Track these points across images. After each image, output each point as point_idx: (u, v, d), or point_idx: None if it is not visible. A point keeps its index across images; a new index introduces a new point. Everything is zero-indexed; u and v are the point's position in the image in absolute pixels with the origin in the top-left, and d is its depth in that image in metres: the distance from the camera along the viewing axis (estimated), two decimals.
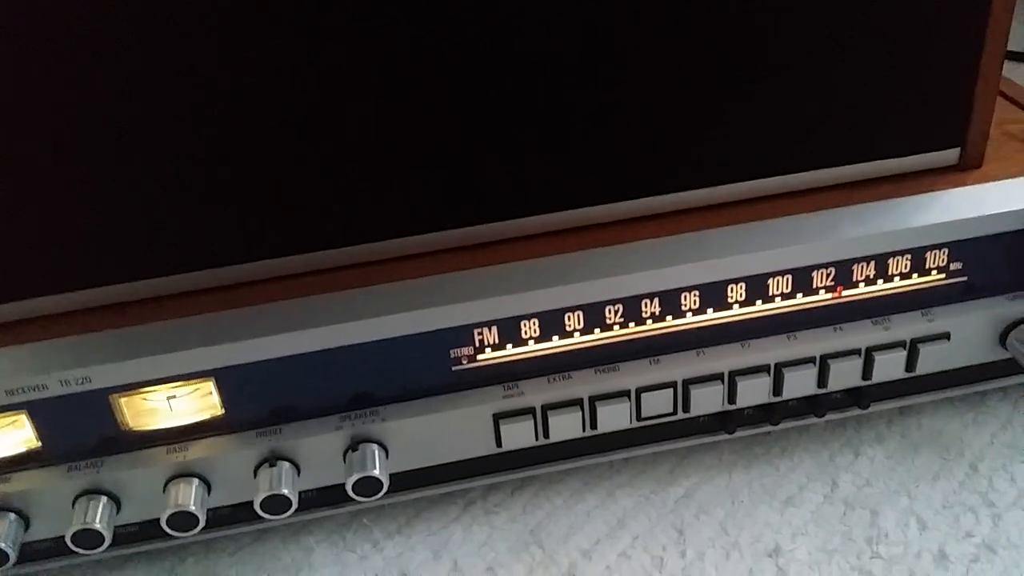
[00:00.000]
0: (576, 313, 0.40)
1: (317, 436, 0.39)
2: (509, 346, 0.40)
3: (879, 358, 0.42)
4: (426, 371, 0.40)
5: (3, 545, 0.36)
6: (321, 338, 0.37)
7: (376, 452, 0.40)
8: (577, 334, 0.40)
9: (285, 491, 0.38)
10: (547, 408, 0.41)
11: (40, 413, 0.37)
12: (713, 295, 0.41)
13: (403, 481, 0.42)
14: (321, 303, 0.38)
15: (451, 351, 0.40)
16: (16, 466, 0.38)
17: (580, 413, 0.41)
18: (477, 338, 0.40)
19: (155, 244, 0.38)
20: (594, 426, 0.42)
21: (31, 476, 0.38)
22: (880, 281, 0.42)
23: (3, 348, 0.36)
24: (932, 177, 0.43)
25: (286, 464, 0.39)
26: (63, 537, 0.38)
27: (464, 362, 0.40)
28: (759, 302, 0.41)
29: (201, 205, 0.37)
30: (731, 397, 0.43)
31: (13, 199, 0.36)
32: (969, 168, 0.44)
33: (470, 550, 0.41)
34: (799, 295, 0.41)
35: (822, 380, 0.43)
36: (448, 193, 0.39)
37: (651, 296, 0.40)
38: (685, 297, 0.40)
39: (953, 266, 0.42)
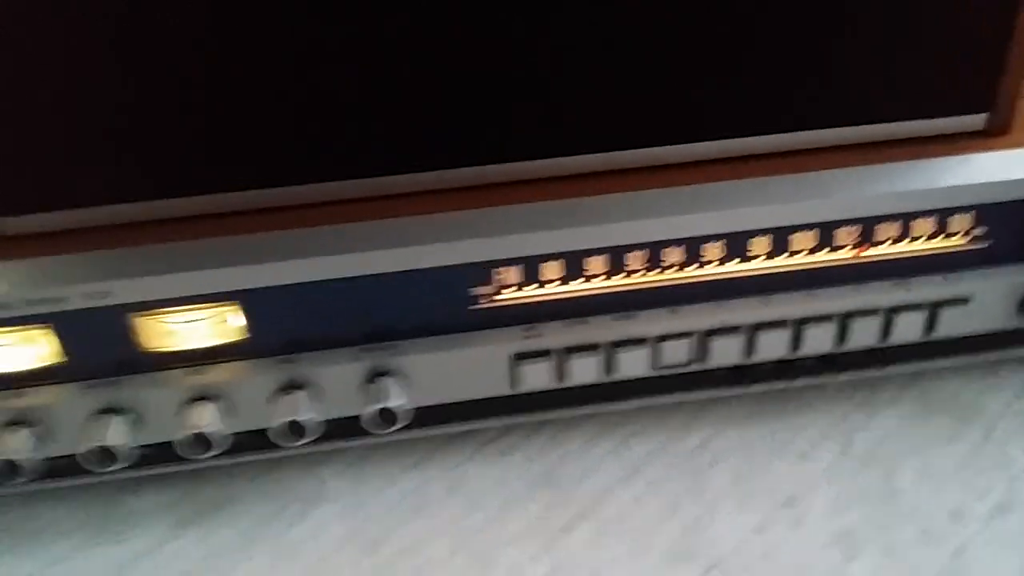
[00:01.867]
0: (597, 257, 0.40)
1: (336, 366, 0.39)
2: (529, 288, 0.40)
3: (898, 319, 0.42)
4: (445, 308, 0.40)
5: (20, 459, 0.37)
6: (345, 265, 0.37)
7: (395, 385, 0.40)
8: (598, 279, 0.41)
9: (303, 417, 0.38)
10: (566, 351, 0.41)
11: (61, 327, 0.37)
12: (737, 246, 0.40)
13: (419, 418, 0.41)
14: (347, 231, 0.38)
15: (470, 289, 0.40)
16: (34, 381, 0.38)
17: (598, 358, 0.41)
18: (496, 277, 0.40)
19: (188, 162, 0.38)
20: (611, 372, 0.42)
21: (48, 392, 0.38)
22: (904, 242, 0.42)
23: (28, 258, 0.37)
24: (961, 140, 0.43)
25: (304, 392, 0.39)
26: (78, 455, 0.38)
27: (483, 301, 0.40)
28: (783, 256, 0.41)
29: (234, 126, 0.37)
30: (749, 350, 0.43)
31: (43, 108, 0.36)
32: (997, 134, 0.44)
33: (485, 487, 0.41)
34: (823, 251, 0.42)
35: (841, 338, 0.43)
36: (479, 129, 0.39)
37: (674, 243, 0.40)
38: (708, 247, 0.41)
39: (977, 231, 0.42)
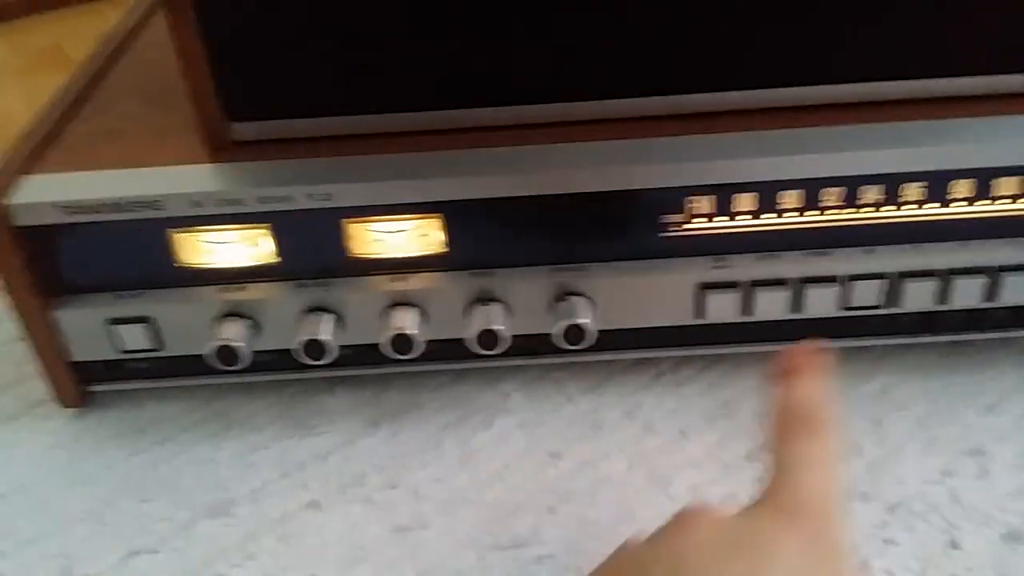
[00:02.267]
0: (792, 192, 0.40)
1: (529, 282, 0.41)
2: (720, 218, 0.40)
3: None
4: (636, 233, 0.40)
5: (239, 345, 0.39)
6: (540, 183, 0.38)
7: (584, 303, 0.41)
8: (791, 214, 0.40)
9: (498, 327, 0.40)
10: (754, 284, 0.41)
11: (283, 227, 0.39)
12: (936, 188, 0.39)
13: (601, 341, 0.42)
14: (544, 151, 0.39)
15: (661, 216, 0.40)
16: (254, 277, 0.41)
17: (787, 293, 0.41)
18: (688, 205, 0.40)
19: (404, 80, 0.39)
20: (799, 308, 0.42)
21: (266, 288, 0.41)
22: None
23: (259, 162, 0.39)
24: None
25: (499, 305, 0.41)
26: (288, 349, 0.41)
27: (673, 229, 0.41)
28: (982, 201, 0.40)
29: (450, 48, 0.39)
30: (943, 297, 0.42)
31: (273, 22, 0.38)
32: None
33: (662, 414, 0.42)
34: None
35: None
36: (676, 58, 0.40)
37: (871, 180, 0.39)
38: (907, 187, 0.40)
39: None
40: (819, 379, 0.34)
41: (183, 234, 0.40)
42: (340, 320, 0.41)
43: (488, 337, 0.39)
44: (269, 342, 0.41)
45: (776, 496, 0.30)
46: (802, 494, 0.29)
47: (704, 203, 0.40)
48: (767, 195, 0.40)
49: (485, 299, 0.41)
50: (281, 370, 0.42)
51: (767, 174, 0.39)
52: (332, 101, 0.40)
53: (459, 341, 0.41)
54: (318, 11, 0.38)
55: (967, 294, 0.41)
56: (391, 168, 0.39)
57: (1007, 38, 0.39)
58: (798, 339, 0.43)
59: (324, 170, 0.39)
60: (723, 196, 0.40)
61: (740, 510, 0.30)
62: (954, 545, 0.36)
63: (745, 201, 0.40)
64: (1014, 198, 0.40)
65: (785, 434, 0.32)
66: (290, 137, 0.40)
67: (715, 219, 0.40)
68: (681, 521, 0.29)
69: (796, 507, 0.29)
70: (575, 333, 0.40)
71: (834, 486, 0.30)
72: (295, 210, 0.38)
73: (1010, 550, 0.35)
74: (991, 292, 0.41)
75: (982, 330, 0.43)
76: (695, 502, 0.30)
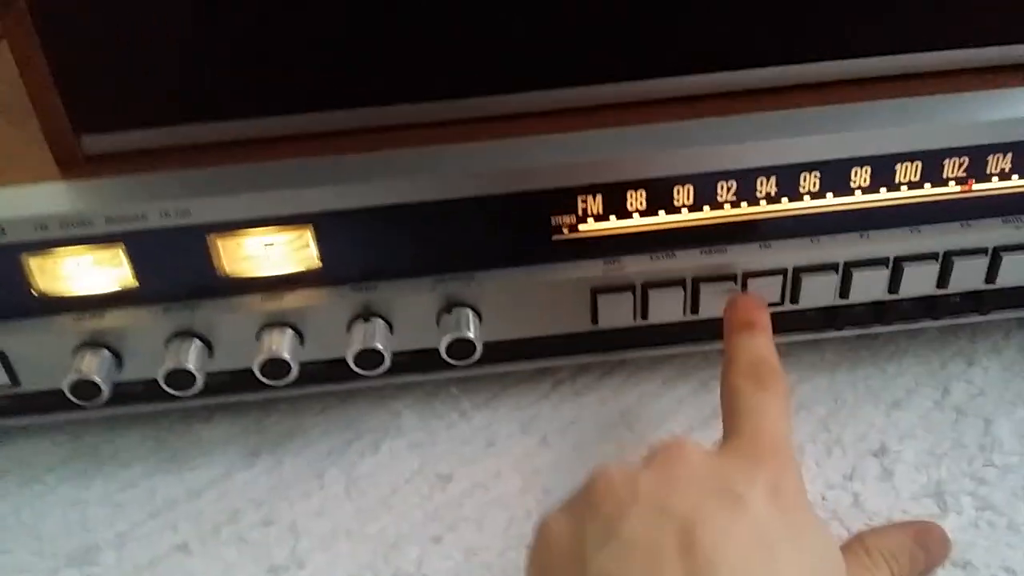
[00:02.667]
0: (686, 187, 0.38)
1: (412, 295, 0.38)
2: (613, 217, 0.38)
3: (1007, 259, 0.39)
4: (525, 237, 0.38)
5: (97, 379, 0.36)
6: (420, 189, 0.36)
7: (471, 316, 0.38)
8: (685, 210, 0.39)
9: (379, 345, 0.37)
10: (648, 286, 0.39)
11: (138, 247, 0.36)
12: (834, 177, 0.38)
13: (493, 353, 0.40)
14: (423, 154, 0.36)
15: (552, 218, 0.38)
16: (112, 303, 0.38)
17: (682, 293, 0.39)
18: (580, 206, 0.38)
19: (264, 83, 0.37)
20: (696, 310, 0.40)
21: (126, 314, 0.37)
22: (1015, 176, 0.39)
23: (106, 177, 0.36)
24: None
25: (380, 320, 0.38)
26: (153, 379, 0.38)
27: (565, 231, 0.39)
28: (883, 189, 0.39)
29: (312, 49, 0.36)
30: (844, 291, 0.40)
31: (122, 27, 0.35)
32: None
33: (559, 427, 0.40)
34: (927, 185, 0.39)
35: (943, 279, 0.40)
36: (559, 49, 0.37)
37: (767, 172, 0.38)
38: (804, 177, 0.38)
39: None
40: (765, 333, 0.37)
41: (35, 259, 0.36)
42: (209, 346, 0.38)
43: (368, 357, 0.37)
44: (133, 372, 0.38)
45: (737, 444, 0.32)
46: (760, 440, 0.31)
47: (596, 202, 0.38)
48: (661, 191, 0.38)
49: (367, 315, 0.39)
50: (150, 401, 0.39)
51: (661, 170, 0.37)
52: (190, 108, 0.37)
53: (342, 361, 0.39)
54: (168, 11, 0.35)
55: (869, 286, 0.40)
56: (254, 178, 0.36)
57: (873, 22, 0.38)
58: (697, 340, 0.43)
59: (180, 184, 0.36)
60: (615, 194, 0.38)
61: (711, 450, 0.31)
62: None
63: (639, 199, 0.38)
64: (911, 185, 0.39)
65: (737, 386, 0.34)
66: (147, 149, 0.37)
67: (608, 219, 0.38)
68: (669, 451, 0.30)
69: (756, 453, 0.31)
70: (461, 347, 0.38)
71: (787, 430, 0.33)
72: (149, 229, 0.36)
73: None
74: (892, 283, 0.40)
75: (887, 323, 0.42)
76: (674, 437, 0.32)
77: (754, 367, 0.34)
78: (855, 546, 0.33)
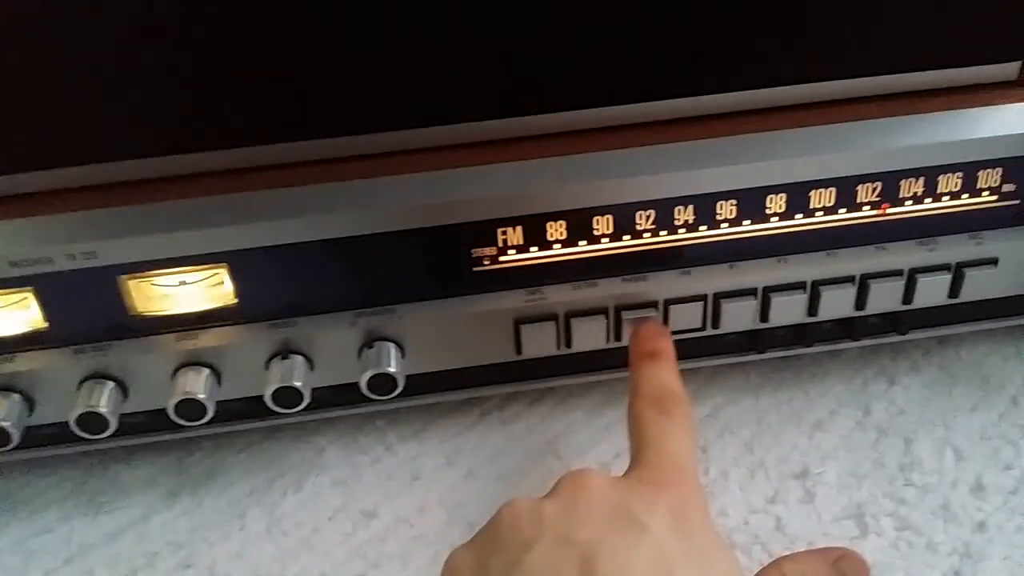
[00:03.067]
0: (605, 217, 0.38)
1: (331, 331, 0.38)
2: (533, 248, 0.38)
3: (922, 280, 0.40)
4: (446, 270, 0.38)
5: (6, 425, 0.35)
6: (336, 225, 0.36)
7: (392, 350, 0.38)
8: (605, 239, 0.39)
9: (297, 383, 0.37)
10: (571, 315, 0.39)
11: (46, 290, 0.35)
12: (751, 205, 0.38)
13: (418, 385, 0.40)
14: (339, 190, 0.36)
15: (473, 250, 0.38)
16: (22, 346, 0.37)
17: (605, 322, 0.39)
18: (500, 238, 0.38)
19: (172, 121, 0.36)
20: (619, 336, 0.40)
21: (37, 357, 0.37)
22: (928, 199, 0.40)
23: (11, 220, 0.35)
24: (990, 92, 0.41)
25: (299, 357, 0.38)
26: (67, 422, 0.37)
27: (486, 263, 0.39)
28: (799, 215, 0.39)
29: (220, 84, 0.36)
30: (764, 315, 0.41)
31: (29, 68, 0.34)
32: None
33: (485, 458, 0.40)
34: (842, 210, 0.39)
35: (860, 301, 0.41)
36: (477, 84, 0.37)
37: (685, 201, 0.38)
38: (721, 205, 0.38)
39: (1006, 187, 0.40)
40: (668, 361, 0.37)
41: None
42: (123, 387, 0.37)
43: (286, 395, 0.36)
44: (46, 416, 0.37)
45: (641, 471, 0.32)
46: (663, 465, 0.32)
47: (517, 233, 0.38)
48: (581, 222, 0.38)
49: (286, 352, 0.38)
50: (63, 444, 0.39)
51: (580, 201, 0.37)
52: (93, 148, 0.36)
53: (261, 399, 0.38)
54: (64, 49, 0.34)
55: (788, 310, 0.40)
56: (164, 218, 0.35)
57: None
58: (622, 367, 0.42)
59: (87, 225, 0.35)
60: (535, 225, 0.38)
61: (616, 477, 0.32)
62: None
63: (559, 230, 0.38)
64: (826, 211, 0.39)
65: (641, 414, 0.34)
66: (49, 190, 0.36)
67: (529, 250, 0.38)
68: (574, 482, 0.31)
69: (659, 478, 0.31)
70: (382, 382, 0.37)
71: (690, 454, 0.33)
72: (56, 272, 0.35)
73: None
74: (812, 306, 0.41)
75: (807, 344, 0.42)
76: (579, 468, 0.32)
77: (658, 395, 0.35)
78: (771, 572, 0.33)
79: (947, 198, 0.40)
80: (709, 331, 0.41)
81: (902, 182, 0.39)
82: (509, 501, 0.30)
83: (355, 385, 0.38)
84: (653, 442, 0.33)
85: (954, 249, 0.40)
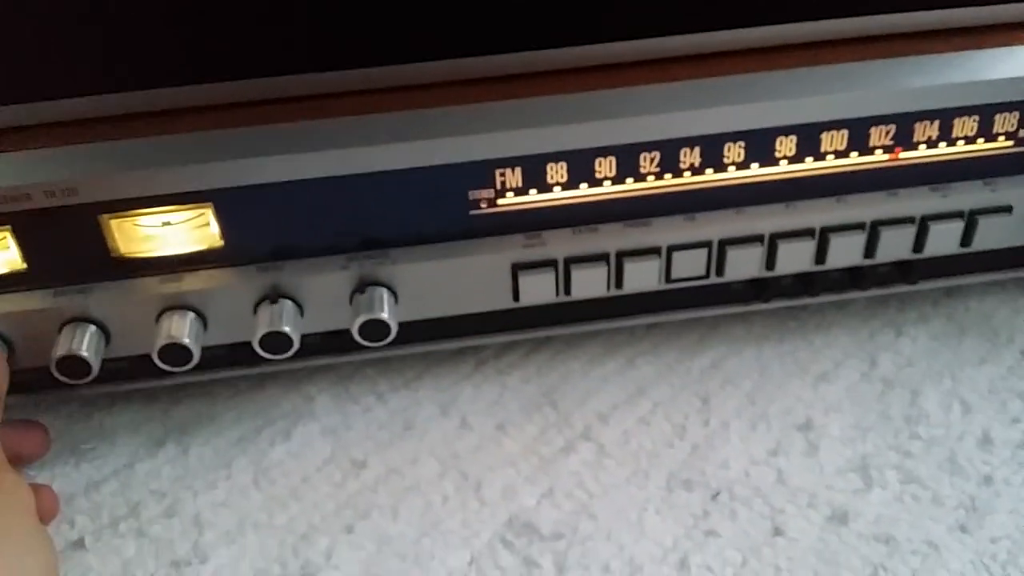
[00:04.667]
0: (608, 159, 0.36)
1: (322, 275, 0.36)
2: (533, 191, 0.37)
3: (934, 228, 0.39)
4: (441, 213, 0.36)
5: None
6: (327, 163, 0.34)
7: (384, 295, 0.37)
8: (608, 183, 0.37)
9: (286, 328, 0.35)
10: (570, 261, 0.38)
11: (25, 228, 0.34)
12: (759, 147, 0.37)
13: (412, 333, 0.39)
14: (329, 127, 0.34)
15: (469, 192, 0.36)
16: (0, 288, 0.36)
17: (605, 269, 0.38)
18: (498, 180, 0.36)
19: (154, 53, 0.34)
20: (620, 284, 0.39)
21: (14, 299, 0.35)
22: (943, 144, 0.38)
23: None
24: (1011, 32, 0.39)
25: (288, 302, 0.36)
26: (48, 366, 0.36)
27: (483, 206, 0.37)
28: (809, 159, 0.38)
29: (203, 14, 0.34)
30: (770, 262, 0.39)
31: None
32: None
33: (480, 408, 0.39)
34: (853, 154, 0.38)
35: (870, 249, 0.39)
36: (477, 15, 0.36)
37: (691, 143, 0.36)
38: (729, 148, 0.37)
39: (1023, 132, 0.39)
40: None
41: None
42: (105, 331, 0.36)
43: (275, 341, 0.35)
44: (24, 360, 0.36)
45: None
46: None
47: (515, 175, 0.37)
48: (581, 164, 0.36)
49: (274, 296, 0.37)
50: (45, 390, 0.37)
51: (582, 141, 0.36)
52: (73, 80, 0.34)
53: (250, 345, 0.37)
54: None
55: (795, 258, 0.39)
56: (147, 154, 0.33)
57: None
58: (622, 316, 0.41)
59: (66, 161, 0.33)
60: (535, 167, 0.37)
61: None
62: (777, 532, 0.34)
63: (559, 172, 0.37)
64: (837, 155, 0.38)
65: None
66: (27, 124, 0.34)
67: (528, 193, 0.37)
68: None
69: None
70: (375, 329, 0.36)
71: None
72: (35, 209, 0.33)
73: (834, 534, 0.34)
74: (819, 254, 0.39)
75: (814, 294, 0.41)
76: None
77: None
78: None
79: (962, 143, 0.38)
80: (713, 279, 0.39)
81: (916, 125, 0.37)
82: None
83: (346, 332, 0.37)
84: None
85: (967, 196, 0.39)
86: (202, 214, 0.35)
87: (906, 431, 0.38)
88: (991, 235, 0.40)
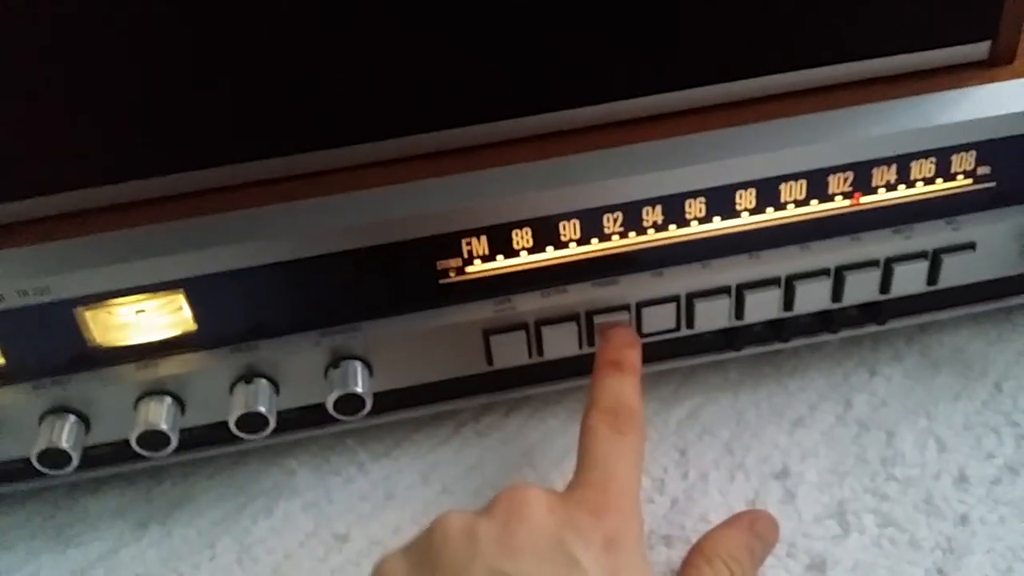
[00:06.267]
0: (572, 221, 0.37)
1: (295, 352, 0.37)
2: (500, 257, 0.37)
3: (899, 269, 0.39)
4: (411, 284, 0.37)
5: None
6: (294, 246, 0.34)
7: (359, 369, 0.37)
8: (573, 244, 0.38)
9: (262, 408, 0.36)
10: (540, 323, 0.38)
11: (0, 328, 0.35)
12: (720, 202, 0.37)
13: (389, 401, 0.39)
14: (293, 209, 0.35)
15: (438, 263, 0.37)
16: None
17: (576, 328, 0.39)
18: (465, 248, 0.37)
19: (117, 147, 0.35)
20: (591, 343, 0.39)
21: None
22: (902, 187, 0.39)
23: None
24: (960, 73, 0.39)
25: (263, 381, 0.37)
26: (29, 458, 0.36)
27: (452, 274, 0.38)
28: (770, 209, 0.38)
29: (165, 106, 0.35)
30: (739, 312, 0.40)
31: None
32: (1000, 63, 0.40)
33: (460, 473, 0.39)
34: (814, 202, 0.38)
35: (837, 294, 0.40)
36: (433, 92, 0.36)
37: (653, 203, 0.37)
38: (690, 204, 0.37)
39: (981, 170, 0.39)
40: (631, 374, 0.36)
41: None
42: (85, 420, 0.36)
43: (251, 421, 0.36)
44: (8, 452, 0.37)
45: (583, 492, 0.31)
46: (608, 489, 0.31)
47: (482, 243, 0.37)
48: (547, 228, 0.37)
49: (249, 376, 0.37)
50: (28, 479, 0.38)
51: (543, 208, 0.36)
52: (35, 180, 0.35)
53: (227, 424, 0.37)
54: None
55: (763, 306, 0.39)
56: (113, 247, 0.34)
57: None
58: None
59: (36, 260, 0.34)
60: (501, 234, 0.37)
61: (556, 497, 0.31)
62: None
63: (525, 237, 0.37)
64: (797, 204, 0.38)
65: (594, 428, 0.33)
66: None
67: (495, 259, 0.37)
68: (512, 500, 0.30)
69: (601, 503, 0.31)
70: (349, 403, 0.36)
71: (635, 478, 0.33)
72: (9, 309, 0.34)
73: None
74: (787, 301, 0.40)
75: (785, 339, 0.42)
76: (518, 484, 0.31)
77: (614, 410, 0.34)
78: (695, 559, 0.33)
79: (921, 184, 0.39)
80: (684, 331, 0.40)
81: (874, 170, 0.38)
82: (443, 515, 0.29)
83: (323, 405, 0.37)
84: (601, 462, 0.32)
85: (930, 236, 0.39)
86: (174, 300, 0.36)
87: (883, 473, 0.38)
88: (956, 272, 0.40)
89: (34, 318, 0.34)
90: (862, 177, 0.38)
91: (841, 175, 0.38)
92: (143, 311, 0.35)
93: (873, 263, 0.39)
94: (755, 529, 0.35)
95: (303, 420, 0.39)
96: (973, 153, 0.38)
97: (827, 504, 0.37)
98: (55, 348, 0.35)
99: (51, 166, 0.35)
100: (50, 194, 0.35)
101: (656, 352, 0.41)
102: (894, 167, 0.38)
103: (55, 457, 0.35)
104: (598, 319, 0.38)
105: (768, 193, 0.38)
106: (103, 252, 0.34)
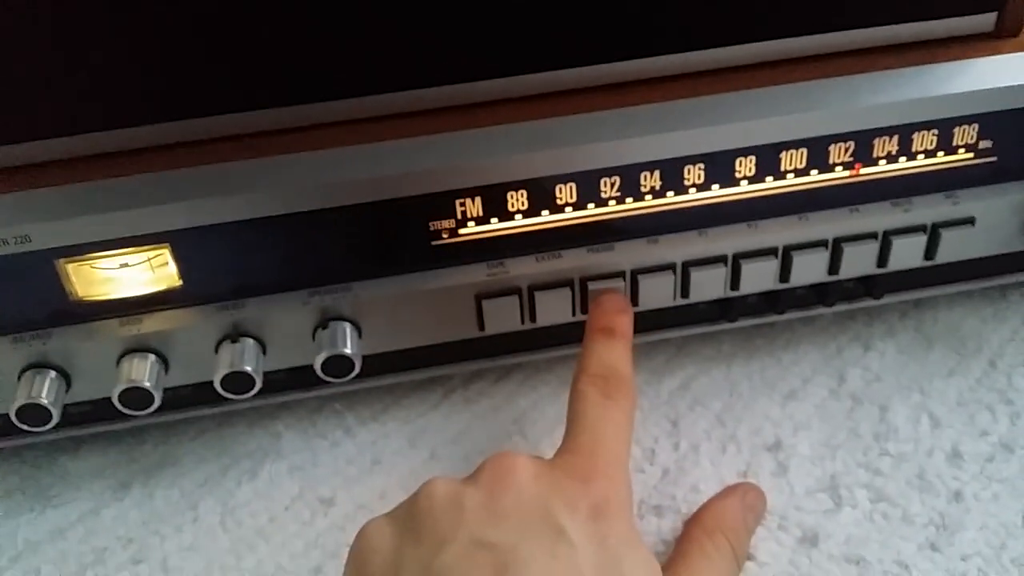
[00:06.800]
0: (568, 184, 0.36)
1: (284, 311, 0.36)
2: (494, 220, 0.37)
3: (897, 243, 0.39)
4: (403, 244, 0.36)
5: None
6: (285, 200, 0.34)
7: (348, 330, 0.36)
8: (569, 208, 0.37)
9: (248, 368, 0.35)
10: (534, 288, 0.38)
11: None
12: (719, 169, 0.37)
13: (378, 365, 0.39)
14: (286, 163, 0.34)
15: (430, 223, 0.37)
16: None
17: (570, 294, 0.38)
18: (459, 209, 0.36)
19: (105, 93, 0.34)
20: (585, 309, 0.39)
21: None
22: (903, 159, 0.38)
23: None
24: (965, 44, 0.39)
25: (250, 340, 0.36)
26: (8, 414, 0.35)
27: (445, 236, 0.37)
28: (769, 178, 0.37)
29: (155, 51, 0.34)
30: (734, 282, 0.39)
31: None
32: (1006, 36, 0.39)
33: (448, 439, 0.39)
34: (813, 171, 0.38)
35: (833, 266, 0.39)
36: (430, 46, 0.35)
37: (651, 167, 0.36)
38: (688, 170, 0.37)
39: (983, 144, 0.39)
40: (622, 340, 0.36)
41: None
42: (66, 376, 0.35)
43: (237, 380, 0.35)
44: None
45: (571, 458, 0.31)
46: (596, 455, 0.31)
47: (476, 205, 0.36)
48: (543, 191, 0.36)
49: (236, 335, 0.36)
50: (6, 437, 0.37)
51: (539, 169, 0.35)
52: (20, 125, 0.34)
53: (212, 384, 0.37)
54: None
55: (759, 277, 0.39)
56: (98, 197, 0.33)
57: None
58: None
59: (18, 208, 0.33)
60: (495, 195, 0.36)
61: (544, 464, 0.30)
62: (748, 556, 0.34)
63: (520, 199, 0.37)
64: (797, 173, 0.38)
65: (584, 392, 0.33)
66: None
67: (489, 221, 0.37)
68: (498, 468, 0.29)
69: (588, 469, 0.30)
70: (338, 364, 0.36)
71: (624, 444, 0.32)
72: None
73: (805, 557, 0.34)
74: (783, 272, 0.39)
75: (780, 311, 0.41)
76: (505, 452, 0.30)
77: (604, 375, 0.34)
78: (696, 532, 0.33)
79: (922, 156, 0.38)
80: (679, 301, 0.39)
81: (875, 141, 0.37)
82: (429, 481, 0.29)
83: (310, 367, 0.37)
84: (590, 427, 0.32)
85: (929, 209, 0.39)
86: (159, 255, 0.35)
87: (875, 448, 0.38)
88: (955, 247, 0.40)
89: (14, 269, 0.33)
90: (863, 147, 0.38)
91: (842, 144, 0.37)
92: (127, 264, 0.35)
93: (871, 236, 0.39)
94: (747, 501, 0.35)
95: (290, 382, 0.38)
96: (976, 126, 0.38)
97: (819, 478, 0.37)
98: (36, 301, 0.34)
99: (36, 111, 0.33)
100: (34, 140, 0.34)
101: (650, 321, 0.41)
102: (896, 137, 0.37)
103: (34, 413, 0.34)
104: (592, 285, 0.38)
105: (768, 162, 0.37)
106: (87, 202, 0.33)
